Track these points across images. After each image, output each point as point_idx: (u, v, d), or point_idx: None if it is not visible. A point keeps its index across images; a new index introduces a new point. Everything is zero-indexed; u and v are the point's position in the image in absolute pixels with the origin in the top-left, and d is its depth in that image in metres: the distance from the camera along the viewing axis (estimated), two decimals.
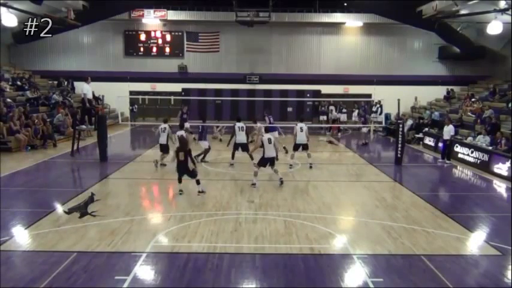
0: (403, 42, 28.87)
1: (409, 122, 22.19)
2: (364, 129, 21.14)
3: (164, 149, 13.89)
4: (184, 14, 27.71)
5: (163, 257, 7.00)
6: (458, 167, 15.01)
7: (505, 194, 12.01)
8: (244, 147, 14.07)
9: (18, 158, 15.35)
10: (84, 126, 17.67)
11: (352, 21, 28.01)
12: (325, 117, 25.64)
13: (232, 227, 8.29)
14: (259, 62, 28.53)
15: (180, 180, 10.62)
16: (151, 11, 27.29)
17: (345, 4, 27.52)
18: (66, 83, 26.27)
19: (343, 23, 28.24)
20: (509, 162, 13.09)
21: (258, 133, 14.63)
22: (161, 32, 28.50)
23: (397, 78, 27.89)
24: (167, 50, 28.59)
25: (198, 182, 10.54)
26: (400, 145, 14.88)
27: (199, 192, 10.47)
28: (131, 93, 26.31)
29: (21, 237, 7.77)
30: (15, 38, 24.47)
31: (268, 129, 12.44)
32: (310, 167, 13.91)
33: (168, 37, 28.58)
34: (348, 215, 9.59)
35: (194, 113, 27.23)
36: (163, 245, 7.53)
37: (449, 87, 27.21)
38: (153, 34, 28.47)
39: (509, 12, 18.90)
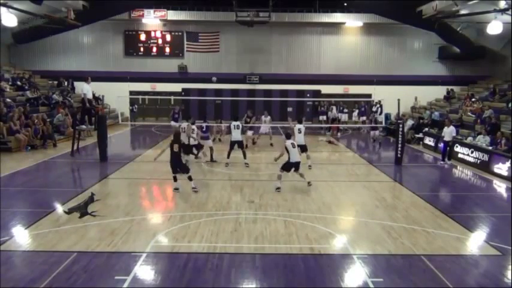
0: (403, 42, 28.87)
1: (409, 122, 22.20)
2: (376, 132, 20.69)
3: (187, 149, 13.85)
4: (184, 14, 27.71)
5: (163, 257, 6.99)
6: (458, 167, 15.00)
7: (505, 194, 12.01)
8: (240, 144, 14.38)
9: (18, 158, 15.35)
10: (84, 126, 17.67)
11: (352, 21, 28.02)
12: (324, 117, 25.67)
13: (232, 227, 8.30)
14: (259, 62, 28.53)
15: (175, 179, 10.74)
16: (151, 11, 27.30)
17: (345, 4, 27.52)
18: (66, 83, 26.27)
19: (343, 23, 28.25)
20: (509, 162, 13.09)
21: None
22: (161, 32, 28.51)
23: (397, 78, 27.90)
24: (167, 50, 28.60)
25: (190, 179, 10.69)
26: (400, 145, 14.88)
27: (193, 188, 10.67)
28: (131, 93, 26.31)
29: (21, 237, 7.77)
30: (15, 38, 24.51)
31: (289, 135, 11.86)
32: (309, 167, 13.92)
33: (168, 37, 28.59)
34: (348, 215, 9.59)
35: (194, 113, 27.41)
36: (163, 245, 7.53)
37: (449, 87, 27.22)
38: (153, 34, 28.48)
39: (509, 12, 18.90)
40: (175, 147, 10.55)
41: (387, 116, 24.22)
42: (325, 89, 28.62)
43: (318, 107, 27.11)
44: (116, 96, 21.41)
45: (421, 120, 22.42)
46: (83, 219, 8.63)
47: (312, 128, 25.70)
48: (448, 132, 15.58)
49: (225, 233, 7.97)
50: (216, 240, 7.58)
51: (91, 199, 9.83)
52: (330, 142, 20.70)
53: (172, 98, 26.20)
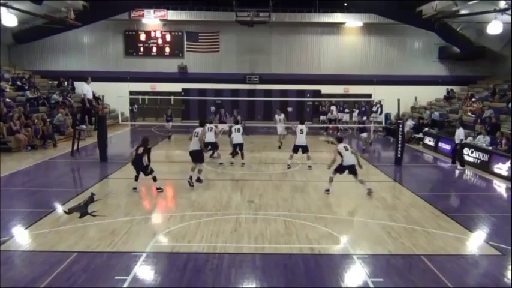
0: (403, 42, 28.88)
1: (409, 122, 22.19)
2: (364, 134, 18.95)
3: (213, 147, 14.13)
4: (184, 14, 27.72)
5: (163, 257, 6.99)
6: (458, 167, 14.97)
7: (505, 194, 12.01)
8: (241, 146, 14.50)
9: (18, 158, 15.35)
10: (84, 126, 17.70)
11: (352, 21, 28.04)
12: (325, 118, 25.68)
13: (232, 227, 8.29)
14: (259, 62, 28.53)
15: (136, 178, 10.86)
16: (151, 11, 27.32)
17: (345, 4, 27.54)
18: (66, 83, 26.27)
19: (343, 23, 28.26)
20: (509, 162, 13.09)
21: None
22: (161, 32, 28.52)
23: (397, 78, 27.90)
24: (167, 50, 28.61)
25: (154, 179, 10.83)
26: (400, 145, 14.87)
27: (157, 189, 10.82)
28: (131, 93, 26.32)
29: (21, 237, 7.77)
30: (15, 38, 24.51)
31: (341, 139, 11.65)
32: (309, 167, 13.92)
33: (168, 37, 28.60)
34: (348, 215, 9.59)
35: (194, 113, 27.43)
36: (163, 245, 7.53)
37: (449, 87, 27.24)
38: (153, 34, 28.49)
39: (509, 12, 18.90)
40: (140, 150, 10.69)
41: (387, 116, 24.24)
42: (325, 89, 28.63)
43: (319, 107, 27.13)
44: (116, 96, 21.41)
45: (421, 120, 22.41)
46: (83, 219, 8.63)
47: (312, 128, 25.70)
48: (456, 134, 15.06)
49: (225, 233, 7.97)
50: (216, 240, 7.57)
51: (91, 199, 9.82)
52: (330, 142, 20.69)
53: (172, 98, 26.20)
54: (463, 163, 14.87)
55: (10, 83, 22.02)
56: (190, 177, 11.22)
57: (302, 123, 14.21)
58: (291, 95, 28.39)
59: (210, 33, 28.18)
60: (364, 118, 25.46)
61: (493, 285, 6.25)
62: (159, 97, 28.37)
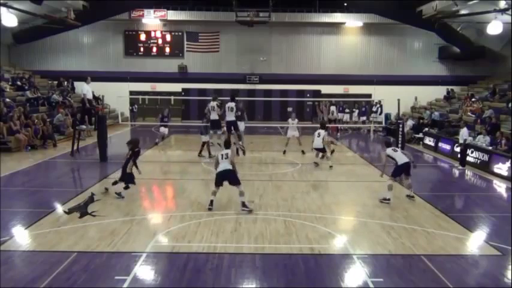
0: (403, 42, 28.88)
1: (409, 122, 22.19)
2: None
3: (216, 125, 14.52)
4: (184, 14, 27.73)
5: (163, 257, 6.99)
6: (458, 167, 14.96)
7: (505, 194, 12.01)
8: (236, 125, 14.54)
9: (18, 158, 15.35)
10: (84, 126, 17.68)
11: (352, 21, 28.04)
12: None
13: (232, 227, 8.29)
14: (259, 62, 28.52)
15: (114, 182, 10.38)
16: (151, 11, 27.32)
17: (345, 4, 27.54)
18: (66, 83, 26.28)
19: (343, 23, 28.26)
20: (509, 162, 13.09)
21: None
22: (161, 32, 28.52)
23: (397, 78, 27.90)
24: (167, 50, 28.61)
25: (115, 183, 10.23)
26: (400, 145, 14.86)
27: (116, 193, 10.12)
28: (131, 93, 26.31)
29: (21, 237, 7.77)
30: (15, 38, 24.50)
31: (389, 144, 11.27)
32: (330, 167, 13.97)
33: (168, 37, 28.60)
34: (348, 215, 9.59)
35: (194, 113, 27.42)
36: (163, 245, 7.53)
37: (449, 87, 27.24)
38: (153, 34, 28.49)
39: (509, 12, 18.90)
40: (128, 154, 10.40)
41: (387, 116, 24.24)
42: (325, 89, 28.61)
43: (320, 107, 27.09)
44: (116, 96, 21.40)
45: (421, 120, 22.41)
46: (83, 219, 8.63)
47: (312, 128, 25.67)
48: (460, 134, 14.97)
49: (225, 233, 7.96)
50: (216, 240, 7.57)
51: (91, 199, 9.83)
52: (330, 142, 20.66)
53: (172, 98, 26.21)
54: (464, 163, 14.85)
55: (10, 83, 22.02)
56: (211, 203, 9.35)
57: (323, 128, 14.13)
58: (291, 95, 28.39)
59: (210, 33, 28.19)
60: (365, 118, 25.48)
61: (493, 285, 6.25)
62: (159, 97, 28.35)
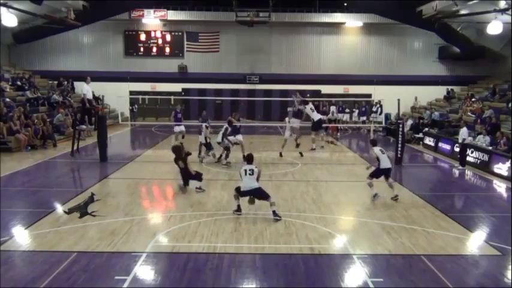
0: (403, 42, 28.88)
1: (409, 122, 22.19)
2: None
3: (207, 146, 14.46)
4: (184, 14, 27.73)
5: (163, 257, 6.99)
6: (458, 167, 14.96)
7: (505, 194, 12.01)
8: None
9: (18, 158, 15.35)
10: (84, 126, 17.69)
11: (352, 21, 28.04)
12: (325, 118, 25.64)
13: (232, 227, 8.29)
14: (259, 62, 28.53)
15: (186, 183, 10.79)
16: (151, 11, 27.32)
17: (345, 4, 27.54)
18: (66, 83, 26.29)
19: (343, 23, 28.26)
20: (509, 162, 13.08)
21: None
22: (161, 32, 28.52)
23: (397, 78, 27.91)
24: (167, 50, 28.62)
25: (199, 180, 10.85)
26: (400, 145, 14.87)
27: (197, 188, 10.75)
28: (131, 93, 26.32)
29: (21, 237, 7.77)
30: (15, 38, 24.51)
31: (375, 142, 11.36)
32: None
33: (168, 37, 28.61)
34: (348, 215, 9.59)
35: (194, 113, 27.40)
36: (163, 245, 7.53)
37: (449, 87, 27.24)
38: (153, 34, 28.49)
39: (509, 12, 18.90)
40: (181, 164, 10.59)
41: (387, 116, 24.24)
42: (325, 89, 28.60)
43: (320, 107, 27.12)
44: (116, 96, 21.41)
45: (421, 120, 22.42)
46: (83, 219, 8.63)
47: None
48: (460, 133, 14.96)
49: (225, 233, 7.97)
50: (216, 240, 7.57)
51: (91, 199, 9.83)
52: (330, 142, 20.69)
53: (172, 98, 26.21)
54: (464, 163, 14.84)
55: (10, 83, 22.02)
56: (238, 208, 9.11)
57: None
58: (291, 95, 28.30)
59: (210, 33, 28.19)
60: (365, 118, 25.49)
61: (493, 285, 6.25)
62: (159, 97, 28.36)
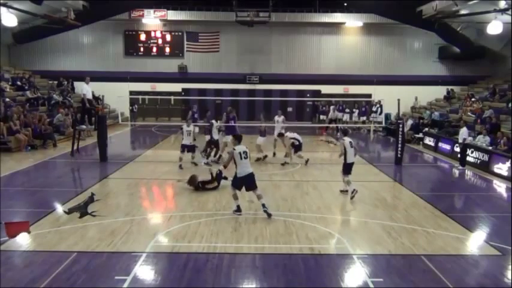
0: (403, 42, 28.89)
1: (410, 122, 22.20)
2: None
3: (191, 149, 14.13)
4: (184, 14, 27.73)
5: (163, 257, 6.99)
6: (458, 167, 14.96)
7: (505, 194, 12.01)
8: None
9: (18, 158, 15.35)
10: (84, 126, 17.68)
11: (352, 21, 28.05)
12: (325, 117, 25.70)
13: (232, 227, 8.29)
14: (259, 62, 28.53)
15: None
16: (151, 11, 27.33)
17: (345, 4, 27.55)
18: (66, 83, 26.29)
19: (343, 23, 28.27)
20: (509, 162, 13.08)
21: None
22: (161, 32, 28.53)
23: (397, 78, 27.92)
24: (167, 50, 28.63)
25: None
26: (400, 145, 14.87)
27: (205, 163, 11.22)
28: (131, 93, 26.33)
29: (21, 237, 7.75)
30: (15, 38, 24.51)
31: (346, 132, 11.28)
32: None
33: (168, 37, 28.62)
34: (348, 215, 9.59)
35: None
36: (163, 245, 7.53)
37: (449, 87, 27.24)
38: (153, 34, 28.51)
39: (509, 12, 18.90)
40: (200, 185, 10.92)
41: (387, 116, 24.25)
42: (325, 89, 28.63)
43: (319, 107, 27.19)
44: (116, 96, 21.42)
45: (421, 120, 22.42)
46: (83, 219, 8.62)
47: (312, 128, 25.72)
48: (460, 133, 14.93)
49: (225, 233, 7.96)
50: (216, 240, 7.57)
51: (91, 199, 9.82)
52: (330, 142, 20.70)
53: (172, 98, 26.22)
54: (464, 163, 14.82)
55: (10, 83, 22.01)
56: (238, 208, 9.05)
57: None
58: (291, 95, 28.39)
59: (210, 33, 28.19)
60: (365, 118, 25.50)
61: (493, 285, 6.25)
62: (159, 97, 28.37)
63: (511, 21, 19.58)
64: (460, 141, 14.82)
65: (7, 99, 19.20)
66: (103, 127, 15.20)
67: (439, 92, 27.73)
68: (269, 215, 8.73)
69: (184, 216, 8.86)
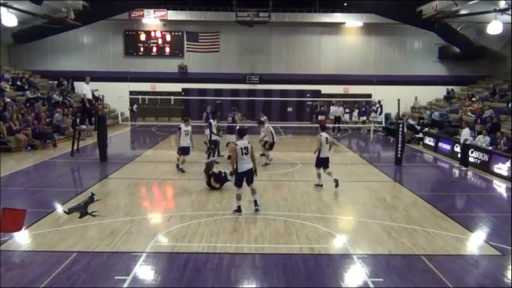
0: (403, 42, 28.89)
1: (409, 122, 22.19)
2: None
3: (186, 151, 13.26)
4: (184, 14, 27.74)
5: (163, 257, 6.99)
6: (461, 167, 14.94)
7: (505, 194, 12.01)
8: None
9: (18, 158, 15.35)
10: (84, 126, 17.66)
11: (352, 21, 28.05)
12: (323, 117, 25.64)
13: (232, 227, 8.29)
14: (259, 62, 28.54)
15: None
16: (151, 11, 27.33)
17: (345, 4, 27.55)
18: (66, 83, 26.29)
19: (343, 23, 28.27)
20: (509, 162, 13.08)
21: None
22: (161, 32, 28.54)
23: (397, 78, 27.92)
24: (167, 50, 28.63)
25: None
26: (400, 145, 14.86)
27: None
28: (131, 93, 26.33)
29: (21, 237, 7.75)
30: (15, 38, 24.51)
31: (323, 127, 11.76)
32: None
33: (168, 37, 28.62)
34: (348, 215, 9.59)
35: (194, 113, 27.39)
36: (163, 245, 7.53)
37: (449, 87, 27.24)
38: (153, 34, 28.51)
39: (509, 12, 18.90)
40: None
41: (387, 116, 24.25)
42: (325, 89, 28.63)
43: (317, 107, 27.18)
44: (116, 96, 21.42)
45: (421, 120, 22.42)
46: (83, 219, 8.62)
47: (312, 128, 25.68)
48: (462, 134, 14.91)
49: (225, 233, 7.96)
50: (216, 240, 7.57)
51: (91, 199, 9.82)
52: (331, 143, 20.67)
53: (172, 98, 26.21)
54: (466, 163, 14.77)
55: (10, 83, 22.03)
56: (239, 208, 9.07)
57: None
58: (291, 95, 28.39)
59: (210, 33, 28.19)
60: (365, 118, 25.51)
61: (493, 285, 6.25)
62: (159, 97, 28.39)
63: (511, 21, 19.58)
64: (462, 141, 14.79)
65: (7, 99, 19.19)
66: (103, 127, 15.20)
67: (439, 92, 27.73)
68: (256, 210, 9.10)
69: (184, 216, 8.86)
